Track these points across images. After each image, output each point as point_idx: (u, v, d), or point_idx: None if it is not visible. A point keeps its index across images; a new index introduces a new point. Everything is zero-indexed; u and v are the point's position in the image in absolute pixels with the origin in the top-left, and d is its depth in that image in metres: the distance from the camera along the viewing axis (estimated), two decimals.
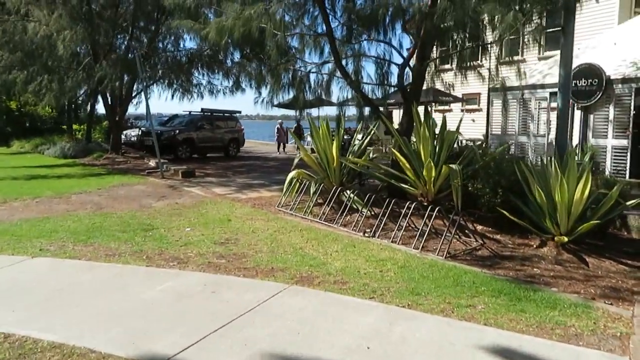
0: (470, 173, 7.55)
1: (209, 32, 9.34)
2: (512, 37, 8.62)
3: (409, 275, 5.22)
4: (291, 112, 25.17)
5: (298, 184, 9.21)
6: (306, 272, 5.37)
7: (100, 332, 3.87)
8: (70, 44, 15.32)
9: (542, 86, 12.33)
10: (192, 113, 20.76)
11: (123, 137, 21.56)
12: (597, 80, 10.87)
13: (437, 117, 10.91)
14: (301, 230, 7.32)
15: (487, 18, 8.42)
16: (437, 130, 8.24)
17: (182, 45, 20.13)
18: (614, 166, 10.62)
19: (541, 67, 13.82)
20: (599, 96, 10.83)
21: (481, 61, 10.55)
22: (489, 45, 9.31)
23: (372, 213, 7.83)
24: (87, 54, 18.20)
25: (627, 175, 10.09)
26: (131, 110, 22.58)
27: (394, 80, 10.20)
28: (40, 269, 5.47)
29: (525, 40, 8.97)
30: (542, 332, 3.89)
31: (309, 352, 3.57)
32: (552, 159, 6.61)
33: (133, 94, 20.25)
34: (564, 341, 3.75)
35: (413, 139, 8.97)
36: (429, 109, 20.44)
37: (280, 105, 15.51)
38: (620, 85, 10.63)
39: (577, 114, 11.32)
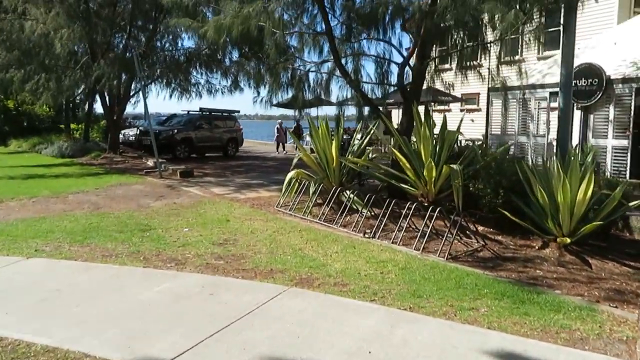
0: (471, 173, 7.48)
1: (207, 31, 9.26)
2: (512, 36, 8.55)
3: (410, 277, 5.15)
4: (290, 112, 25.12)
5: (297, 184, 9.13)
6: (306, 273, 5.29)
7: (95, 335, 3.79)
8: (68, 43, 15.23)
9: (542, 86, 12.27)
10: (190, 112, 20.68)
11: (121, 136, 21.46)
12: (597, 80, 10.82)
13: (436, 117, 10.86)
14: (300, 231, 7.24)
15: (487, 17, 8.36)
16: (436, 130, 8.17)
17: (180, 44, 20.11)
18: (614, 166, 10.57)
19: (540, 67, 13.77)
20: (599, 96, 10.77)
21: (481, 61, 10.48)
22: (490, 45, 9.25)
23: (372, 213, 7.76)
24: (84, 53, 18.09)
25: (628, 176, 10.04)
26: (129, 109, 22.49)
27: (393, 79, 10.14)
28: (35, 270, 5.39)
29: (526, 39, 8.89)
30: (547, 335, 3.81)
31: (309, 356, 3.49)
32: (555, 159, 6.54)
33: (131, 93, 20.16)
34: (569, 345, 3.67)
35: (413, 138, 8.91)
36: (429, 108, 20.38)
37: (279, 105, 15.44)
38: (620, 85, 10.58)
39: (577, 114, 11.26)
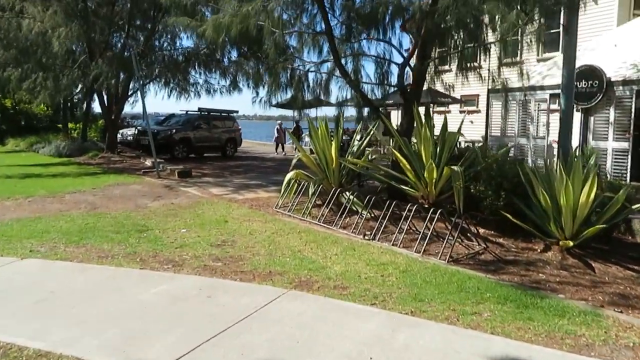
0: (472, 175, 7.40)
1: (206, 30, 9.17)
2: (513, 37, 8.48)
3: (411, 281, 5.07)
4: (289, 113, 25.03)
5: (296, 184, 9.05)
6: (305, 276, 5.21)
7: (90, 338, 3.70)
8: (65, 41, 15.13)
9: (542, 87, 12.22)
10: (189, 112, 20.58)
11: (119, 136, 21.35)
12: (597, 82, 10.76)
13: (435, 119, 10.77)
14: (300, 233, 7.16)
15: (488, 17, 8.29)
16: (435, 132, 8.09)
17: (178, 44, 20.01)
18: (614, 169, 10.52)
19: (540, 69, 13.72)
20: (599, 98, 10.72)
21: (480, 62, 10.42)
22: (490, 46, 9.18)
23: (372, 215, 7.68)
24: (82, 52, 17.99)
25: (628, 179, 9.99)
26: (127, 109, 22.44)
27: (393, 80, 10.06)
28: (30, 271, 5.29)
29: (527, 40, 8.83)
30: (551, 341, 3.73)
31: None
32: (557, 160, 6.47)
33: (129, 93, 20.08)
34: (575, 352, 3.59)
35: (413, 140, 8.83)
36: (430, 109, 20.30)
37: (278, 105, 15.36)
38: (620, 88, 10.53)
39: (577, 116, 11.21)
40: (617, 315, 4.33)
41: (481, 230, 6.98)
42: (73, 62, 17.55)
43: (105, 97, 19.83)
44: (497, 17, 7.97)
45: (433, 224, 6.51)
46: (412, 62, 9.57)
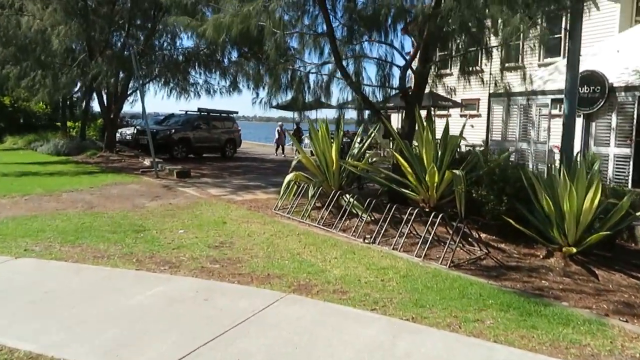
0: (474, 179, 7.32)
1: (206, 29, 9.10)
2: (516, 42, 8.43)
3: (412, 286, 4.98)
4: (289, 114, 24.95)
5: (296, 186, 8.96)
6: (304, 279, 5.12)
7: (83, 341, 3.60)
8: (65, 40, 15.04)
9: (543, 92, 12.15)
10: (188, 113, 20.50)
11: (118, 135, 21.25)
12: (599, 88, 10.70)
13: (436, 122, 10.70)
14: (299, 235, 7.07)
15: (491, 21, 8.23)
16: (436, 135, 8.01)
17: (179, 44, 19.91)
18: (616, 175, 10.45)
19: (541, 74, 13.67)
20: (601, 104, 10.66)
21: (482, 66, 10.35)
22: (493, 49, 9.12)
23: (372, 218, 7.59)
24: (82, 50, 17.89)
25: (630, 184, 9.92)
26: (127, 108, 22.32)
27: (395, 82, 9.99)
28: (24, 271, 5.19)
29: (530, 44, 8.75)
30: (556, 351, 3.64)
31: None
32: (560, 166, 6.39)
33: (129, 92, 19.96)
34: None
35: (414, 143, 8.76)
36: (431, 113, 20.24)
37: (278, 107, 15.28)
38: (623, 93, 10.47)
39: (579, 121, 11.15)
40: (623, 324, 4.24)
41: (482, 235, 6.89)
42: (72, 60, 17.44)
43: (104, 96, 19.72)
44: (499, 21, 7.92)
45: (435, 228, 6.41)
46: (414, 64, 9.51)
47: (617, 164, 10.48)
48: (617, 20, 16.61)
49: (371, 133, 9.58)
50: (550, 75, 12.79)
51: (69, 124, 26.53)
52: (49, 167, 15.07)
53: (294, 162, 9.80)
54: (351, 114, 10.95)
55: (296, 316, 4.15)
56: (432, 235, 6.39)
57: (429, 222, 6.48)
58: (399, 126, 19.19)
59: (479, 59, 9.84)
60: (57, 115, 28.25)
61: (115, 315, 4.09)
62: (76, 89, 21.07)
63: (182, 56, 19.48)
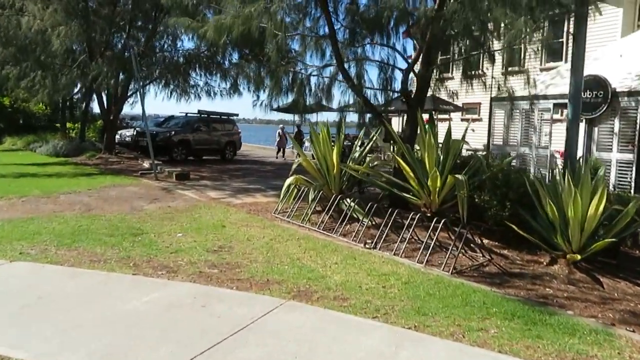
0: (476, 184, 7.23)
1: (207, 31, 9.02)
2: (520, 45, 8.34)
3: (414, 293, 4.88)
4: (289, 117, 24.88)
5: (296, 190, 8.86)
6: (304, 285, 5.02)
7: (75, 349, 3.50)
8: (65, 40, 14.94)
9: (545, 97, 12.07)
10: (188, 115, 20.42)
11: (117, 137, 21.15)
12: (602, 93, 10.61)
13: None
14: (299, 239, 6.97)
15: (494, 24, 8.15)
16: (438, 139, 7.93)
17: (179, 45, 19.85)
18: (618, 180, 10.36)
19: (543, 78, 13.59)
20: (604, 109, 10.57)
21: (484, 70, 10.27)
22: (496, 53, 9.03)
23: (373, 223, 7.50)
24: (82, 51, 17.81)
25: (632, 190, 9.82)
26: (127, 109, 22.23)
27: (397, 85, 9.93)
28: (18, 275, 5.09)
29: (534, 48, 8.68)
30: None
31: None
32: (565, 171, 6.30)
33: (129, 94, 19.88)
34: None
35: (416, 147, 8.67)
36: (434, 116, 20.18)
37: (279, 109, 15.21)
38: (626, 98, 10.38)
39: (581, 126, 11.06)
40: (630, 334, 4.15)
41: (485, 241, 6.80)
42: (72, 61, 17.35)
43: (104, 98, 19.64)
44: (502, 24, 7.84)
45: (437, 233, 6.31)
46: (416, 67, 9.42)
47: (619, 170, 10.38)
48: (619, 25, 16.57)
49: (373, 136, 9.49)
50: (553, 80, 12.71)
51: (68, 125, 26.44)
52: (48, 168, 14.97)
53: (294, 166, 9.71)
54: (352, 117, 10.88)
55: (296, 324, 4.05)
56: (434, 240, 6.29)
57: (431, 228, 6.39)
58: (399, 130, 19.14)
59: (483, 63, 9.77)
60: (56, 116, 28.16)
61: (110, 322, 3.99)
62: (76, 90, 20.98)
63: (182, 58, 19.41)
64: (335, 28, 9.34)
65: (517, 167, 11.24)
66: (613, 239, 5.70)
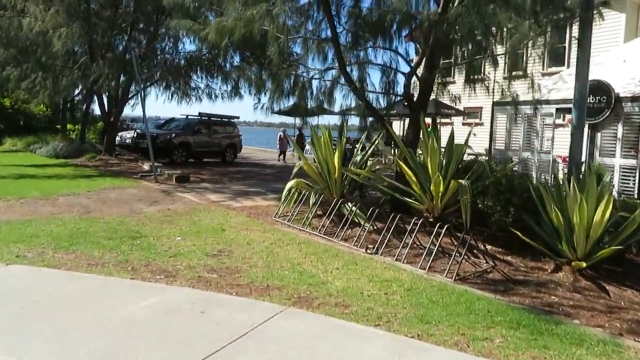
0: (480, 189, 7.14)
1: (209, 33, 8.96)
2: (524, 49, 8.28)
3: (416, 300, 4.79)
4: (290, 120, 24.79)
5: (297, 194, 8.78)
6: (304, 291, 4.93)
7: (70, 356, 3.42)
8: (66, 42, 14.88)
9: (547, 102, 12.01)
10: (189, 117, 20.37)
11: (118, 138, 21.09)
12: (605, 98, 10.54)
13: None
14: (299, 244, 6.88)
15: (498, 28, 8.08)
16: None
17: (181, 47, 19.78)
18: (621, 186, 10.28)
19: (545, 83, 13.53)
20: (607, 114, 10.49)
21: (487, 74, 10.20)
22: (499, 57, 8.97)
23: (375, 228, 7.41)
24: (83, 53, 17.76)
25: (635, 196, 9.74)
26: (128, 111, 22.21)
27: (399, 89, 9.85)
28: (14, 279, 5.00)
29: (538, 53, 8.61)
30: None
31: None
32: (571, 177, 6.22)
33: (130, 95, 19.82)
34: None
35: (418, 151, 8.59)
36: (436, 120, 20.10)
37: (280, 112, 15.13)
38: (629, 104, 10.31)
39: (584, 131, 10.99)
40: (638, 345, 4.05)
41: (488, 247, 6.70)
42: (73, 62, 17.30)
43: (105, 99, 19.58)
44: (505, 28, 7.78)
45: (440, 239, 6.22)
46: (419, 71, 9.36)
47: (622, 175, 10.30)
48: (622, 30, 16.53)
49: (375, 140, 9.42)
50: (555, 85, 12.65)
51: (69, 126, 26.38)
52: (47, 169, 14.90)
53: (295, 169, 9.63)
54: (353, 120, 10.80)
55: (297, 331, 3.96)
56: (437, 246, 6.19)
57: (433, 233, 6.29)
58: (400, 133, 19.05)
59: (485, 67, 9.70)
60: (57, 118, 28.11)
61: (106, 328, 3.90)
62: (77, 92, 20.92)
63: (184, 60, 19.36)
64: (338, 31, 9.29)
65: (520, 172, 11.17)
66: (619, 247, 5.61)
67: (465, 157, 13.25)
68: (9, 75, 16.05)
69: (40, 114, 28.80)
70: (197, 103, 20.45)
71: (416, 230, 6.55)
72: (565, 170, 10.71)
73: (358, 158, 9.20)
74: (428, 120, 12.45)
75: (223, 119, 20.70)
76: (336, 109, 10.63)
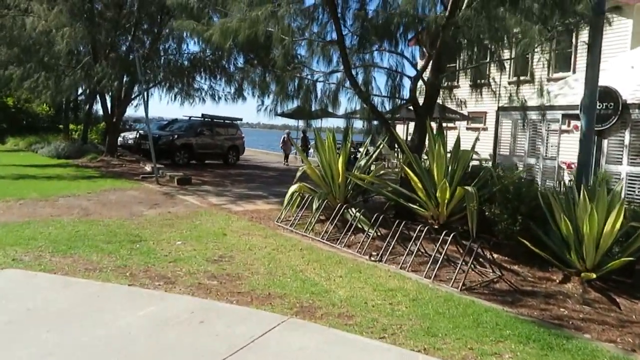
0: (486, 196, 7.00)
1: (213, 34, 8.84)
2: (534, 53, 8.14)
3: (422, 311, 4.65)
4: (293, 122, 24.71)
5: (299, 198, 8.64)
6: (307, 300, 4.79)
7: None
8: (70, 42, 14.80)
9: (553, 107, 11.86)
10: (192, 118, 20.27)
11: (120, 139, 21.00)
12: (612, 104, 10.39)
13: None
14: (302, 250, 6.74)
15: (507, 33, 7.95)
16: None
17: (184, 48, 19.65)
18: (628, 194, 10.12)
19: (551, 88, 13.37)
20: (614, 120, 10.34)
21: (492, 79, 10.09)
22: (505, 62, 8.84)
23: (379, 234, 7.28)
24: (86, 53, 17.69)
25: None
26: (130, 112, 22.12)
27: (405, 93, 9.72)
28: (8, 284, 4.88)
29: (548, 57, 8.47)
30: None
31: None
32: (582, 185, 6.08)
33: (132, 96, 19.72)
34: None
35: (423, 156, 8.46)
36: (442, 125, 19.97)
37: (283, 115, 15.05)
38: (637, 111, 10.15)
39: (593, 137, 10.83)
40: None
41: (494, 256, 6.55)
42: (76, 62, 17.22)
43: (107, 100, 19.51)
44: (513, 32, 7.65)
45: (446, 247, 6.08)
46: (425, 75, 9.22)
47: (629, 183, 10.15)
48: (629, 36, 16.37)
49: (380, 144, 9.29)
50: (561, 90, 12.50)
51: (71, 126, 26.33)
52: (48, 170, 14.80)
53: (298, 173, 9.50)
54: (356, 123, 10.68)
55: (299, 344, 3.82)
56: (442, 255, 6.05)
57: (439, 241, 6.14)
58: (404, 138, 18.92)
59: (491, 72, 9.59)
60: (59, 118, 28.07)
61: (101, 339, 3.76)
62: (80, 92, 20.83)
63: (187, 61, 19.24)
64: (343, 34, 9.16)
65: (525, 178, 11.02)
66: (631, 258, 5.46)
67: (471, 163, 13.12)
68: (11, 75, 15.97)
69: (43, 113, 28.77)
70: (200, 104, 20.32)
71: (421, 237, 6.41)
72: (570, 177, 10.57)
73: (362, 162, 9.07)
74: (433, 124, 12.32)
75: (226, 121, 20.60)
76: (341, 111, 10.52)
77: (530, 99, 10.87)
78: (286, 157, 22.88)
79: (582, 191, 5.81)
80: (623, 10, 15.72)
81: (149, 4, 16.88)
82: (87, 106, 23.67)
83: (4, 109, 27.02)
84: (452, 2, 7.73)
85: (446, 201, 6.94)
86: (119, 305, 4.42)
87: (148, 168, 15.59)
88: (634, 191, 9.96)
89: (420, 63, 11.12)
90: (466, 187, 6.60)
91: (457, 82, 13.91)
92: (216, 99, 20.20)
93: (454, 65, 10.60)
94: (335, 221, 7.70)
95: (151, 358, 3.51)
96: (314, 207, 8.19)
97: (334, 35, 9.02)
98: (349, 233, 7.29)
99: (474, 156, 11.84)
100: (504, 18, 6.62)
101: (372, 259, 6.49)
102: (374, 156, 9.08)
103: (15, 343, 3.62)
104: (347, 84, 9.16)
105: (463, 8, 7.44)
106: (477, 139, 8.13)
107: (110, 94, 19.25)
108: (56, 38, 14.68)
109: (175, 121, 21.11)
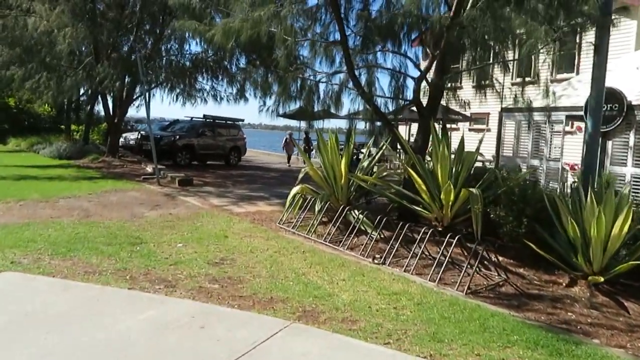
0: (491, 198, 6.91)
1: (215, 35, 8.76)
2: (540, 54, 8.05)
3: (427, 315, 4.56)
4: (294, 123, 24.64)
5: (302, 199, 8.56)
6: (310, 304, 4.71)
7: None
8: (71, 42, 14.76)
9: (556, 108, 11.77)
10: (193, 119, 20.22)
11: (122, 140, 20.94)
12: (617, 106, 10.30)
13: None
14: (304, 252, 6.66)
15: (512, 33, 7.87)
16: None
17: (186, 49, 19.59)
18: (633, 196, 10.02)
19: (554, 89, 13.28)
20: (619, 122, 10.25)
21: (496, 79, 9.98)
22: (509, 63, 8.75)
23: (382, 236, 7.19)
24: (88, 53, 17.65)
25: None
26: (132, 112, 22.08)
27: (408, 94, 9.63)
28: (6, 287, 4.81)
29: (553, 58, 8.38)
30: None
31: None
32: (589, 188, 5.99)
33: (134, 97, 19.68)
34: None
35: (427, 157, 8.37)
36: (446, 126, 19.88)
37: (285, 116, 14.99)
38: None
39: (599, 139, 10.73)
40: None
41: (499, 258, 6.46)
42: (78, 63, 17.18)
43: (109, 100, 19.46)
44: (519, 32, 7.56)
45: (451, 250, 5.99)
46: (429, 76, 9.14)
47: (634, 185, 10.06)
48: (634, 37, 16.26)
49: (383, 146, 9.20)
50: (564, 91, 12.41)
51: (73, 127, 26.28)
52: (49, 171, 14.75)
53: (301, 174, 9.42)
54: (359, 124, 10.59)
55: (301, 350, 3.74)
56: (447, 257, 5.95)
57: (444, 243, 6.06)
58: (406, 139, 18.83)
59: (495, 72, 9.49)
60: (61, 118, 28.01)
61: (99, 344, 3.69)
62: (81, 92, 20.79)
63: (189, 62, 19.18)
64: (346, 34, 9.09)
65: (530, 180, 10.93)
66: (638, 262, 5.36)
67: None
68: (13, 75, 15.93)
69: (45, 114, 28.75)
70: (202, 105, 20.27)
71: (425, 239, 6.33)
72: (574, 179, 10.46)
73: (365, 164, 8.99)
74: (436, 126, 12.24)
75: (227, 122, 20.55)
76: (344, 112, 10.43)
77: (534, 100, 10.78)
78: (289, 158, 22.79)
79: (589, 193, 5.72)
80: (629, 11, 15.61)
81: (151, 4, 16.82)
82: (89, 107, 23.65)
83: (5, 110, 26.99)
84: (456, 2, 7.65)
85: (450, 203, 6.85)
86: (118, 309, 4.34)
87: (149, 169, 15.53)
88: (639, 192, 9.86)
89: (423, 64, 11.02)
90: (471, 189, 6.51)
91: (460, 82, 13.81)
92: (218, 99, 20.16)
93: (457, 66, 10.53)
94: (337, 223, 7.62)
95: None
96: (317, 208, 8.12)
97: (337, 36, 8.94)
98: (352, 235, 7.20)
99: (478, 158, 11.75)
100: (509, 18, 6.53)
101: (376, 261, 6.40)
102: (376, 157, 8.98)
103: (11, 349, 3.55)
104: (350, 84, 9.08)
105: (468, 8, 7.36)
106: (481, 140, 8.04)
107: (111, 94, 19.21)
108: (58, 38, 14.64)
109: (176, 122, 21.05)
